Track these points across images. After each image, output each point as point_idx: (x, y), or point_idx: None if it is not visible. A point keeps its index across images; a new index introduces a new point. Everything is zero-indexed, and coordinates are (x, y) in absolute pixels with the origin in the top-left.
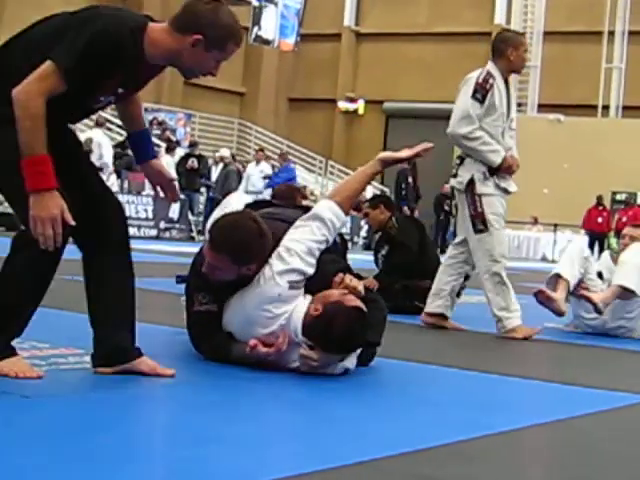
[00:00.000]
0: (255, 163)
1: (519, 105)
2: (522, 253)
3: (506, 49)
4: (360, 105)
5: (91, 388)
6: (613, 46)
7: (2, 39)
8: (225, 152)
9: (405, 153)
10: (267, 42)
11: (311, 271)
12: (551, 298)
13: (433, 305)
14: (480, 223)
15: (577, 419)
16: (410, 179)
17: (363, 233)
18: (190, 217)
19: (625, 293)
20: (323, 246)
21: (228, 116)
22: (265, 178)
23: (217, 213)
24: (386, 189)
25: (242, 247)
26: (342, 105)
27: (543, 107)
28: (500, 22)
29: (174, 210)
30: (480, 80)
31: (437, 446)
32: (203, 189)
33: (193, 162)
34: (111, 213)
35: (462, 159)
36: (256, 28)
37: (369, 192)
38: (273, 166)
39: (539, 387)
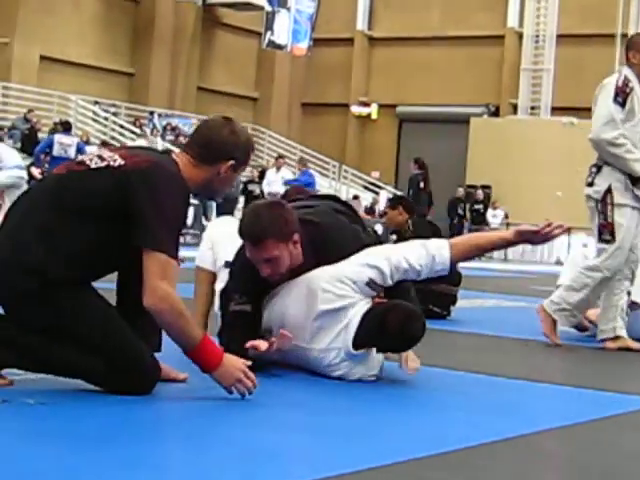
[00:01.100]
0: (275, 170)
1: (532, 108)
2: (536, 257)
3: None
4: (373, 109)
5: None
6: None
7: (16, 45)
8: None
9: (544, 231)
10: (280, 47)
11: (389, 284)
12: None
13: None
14: (608, 233)
15: (595, 422)
16: (422, 184)
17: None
18: (204, 222)
19: (632, 305)
20: (412, 275)
21: (241, 121)
22: (285, 184)
23: (204, 246)
24: (400, 193)
25: (278, 221)
26: (355, 109)
27: (556, 110)
28: (513, 25)
29: (188, 215)
30: (620, 84)
31: (448, 452)
32: None
33: None
34: None
35: (599, 167)
36: (269, 33)
37: (384, 196)
38: (292, 172)
39: (555, 391)
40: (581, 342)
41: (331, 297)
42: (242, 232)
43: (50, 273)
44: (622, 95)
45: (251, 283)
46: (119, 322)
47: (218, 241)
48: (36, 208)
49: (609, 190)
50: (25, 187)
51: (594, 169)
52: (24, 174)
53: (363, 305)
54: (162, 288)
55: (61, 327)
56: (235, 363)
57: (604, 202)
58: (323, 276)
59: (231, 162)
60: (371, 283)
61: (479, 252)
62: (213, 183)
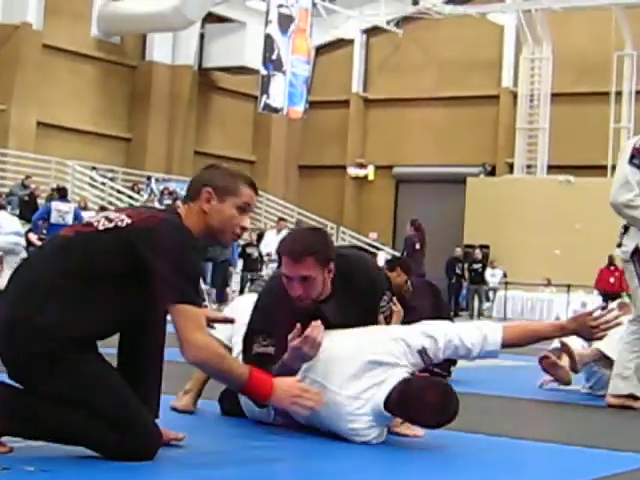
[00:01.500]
0: (276, 232)
1: (528, 167)
2: (535, 315)
3: None
4: (370, 171)
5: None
6: (621, 106)
7: (13, 111)
8: None
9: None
10: (276, 110)
11: (440, 358)
12: (557, 365)
13: (619, 386)
14: None
15: None
16: (417, 245)
17: None
18: (203, 286)
19: (603, 359)
20: (462, 353)
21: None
22: None
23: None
24: (398, 254)
25: (321, 243)
26: (352, 171)
27: (553, 168)
28: (507, 85)
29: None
30: (637, 145)
31: None
32: None
33: None
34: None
35: (626, 228)
36: (265, 96)
37: (382, 258)
38: None
39: (554, 450)
40: (582, 400)
41: (381, 350)
42: (284, 248)
43: (59, 334)
44: (638, 157)
45: (276, 324)
46: (127, 390)
47: (241, 316)
48: (44, 269)
49: (637, 250)
50: (24, 254)
51: (622, 230)
52: (21, 241)
53: (403, 372)
54: (199, 339)
55: (70, 392)
56: (288, 382)
57: (635, 262)
58: (378, 330)
59: (206, 189)
60: (423, 352)
61: (531, 339)
62: (209, 224)
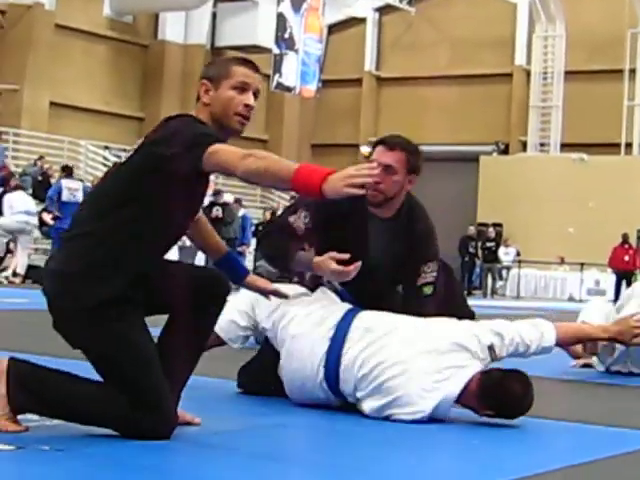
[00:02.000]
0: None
1: (541, 145)
2: (549, 293)
3: None
4: None
5: (123, 438)
6: (634, 84)
7: (26, 91)
8: (229, 197)
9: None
10: (288, 89)
11: (503, 356)
12: None
13: None
14: None
15: (608, 460)
16: None
17: None
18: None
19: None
20: (521, 350)
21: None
22: None
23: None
24: None
25: (415, 151)
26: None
27: (566, 146)
28: (521, 63)
29: (200, 259)
30: None
31: None
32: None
33: (218, 211)
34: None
35: None
36: (277, 75)
37: None
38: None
39: (570, 428)
40: (596, 379)
41: (464, 337)
42: (381, 139)
43: (107, 290)
44: None
45: (327, 214)
46: (156, 364)
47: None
48: (86, 219)
49: None
50: (36, 233)
51: None
52: (31, 219)
53: (480, 365)
54: (241, 155)
55: (101, 355)
56: (338, 173)
57: None
58: (453, 321)
59: (202, 82)
60: (492, 348)
61: (578, 339)
62: (213, 113)
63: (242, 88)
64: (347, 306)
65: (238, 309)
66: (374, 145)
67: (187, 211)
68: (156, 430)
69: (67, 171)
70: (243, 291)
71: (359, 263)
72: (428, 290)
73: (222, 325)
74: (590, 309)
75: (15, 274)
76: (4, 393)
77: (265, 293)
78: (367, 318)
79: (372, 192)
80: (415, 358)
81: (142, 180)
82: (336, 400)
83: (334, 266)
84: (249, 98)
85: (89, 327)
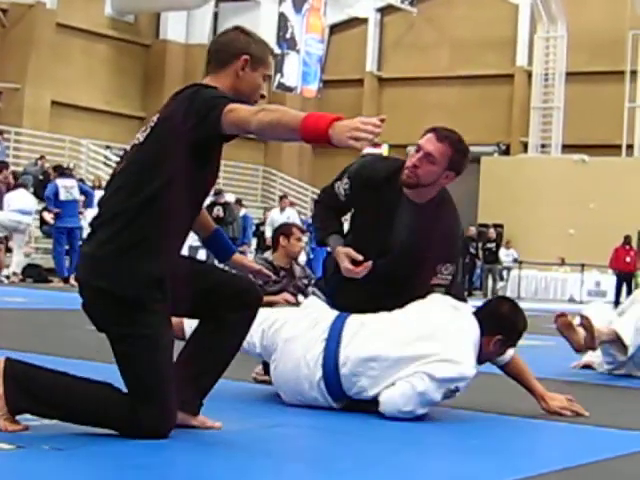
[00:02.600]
0: (280, 210)
1: (543, 146)
2: (549, 294)
3: None
4: (384, 150)
5: (123, 438)
6: (636, 85)
7: (27, 90)
8: (230, 197)
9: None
10: (290, 89)
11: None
12: (571, 326)
13: None
14: None
15: (609, 461)
16: None
17: None
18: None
19: (617, 342)
20: None
21: (253, 164)
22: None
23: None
24: None
25: (463, 150)
26: (366, 150)
27: (567, 148)
28: (522, 64)
29: (201, 255)
30: None
31: None
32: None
33: (219, 210)
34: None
35: None
36: (278, 75)
37: None
38: (299, 212)
39: (570, 429)
40: (598, 380)
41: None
42: (436, 127)
43: (137, 269)
44: None
45: (359, 180)
46: (171, 360)
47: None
48: (113, 204)
49: None
50: (37, 232)
51: None
52: (25, 219)
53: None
54: (254, 111)
55: (117, 337)
56: (346, 121)
57: None
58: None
59: (244, 57)
60: None
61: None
62: (239, 88)
63: (265, 80)
64: (337, 312)
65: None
66: (426, 132)
67: (208, 182)
68: (156, 428)
69: (59, 170)
70: None
71: (369, 264)
72: (438, 291)
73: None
74: (592, 309)
75: (14, 273)
76: (1, 393)
77: (250, 272)
78: (360, 316)
79: (407, 172)
80: (432, 331)
81: (164, 156)
82: (331, 400)
83: (346, 264)
84: (264, 89)
85: (115, 311)
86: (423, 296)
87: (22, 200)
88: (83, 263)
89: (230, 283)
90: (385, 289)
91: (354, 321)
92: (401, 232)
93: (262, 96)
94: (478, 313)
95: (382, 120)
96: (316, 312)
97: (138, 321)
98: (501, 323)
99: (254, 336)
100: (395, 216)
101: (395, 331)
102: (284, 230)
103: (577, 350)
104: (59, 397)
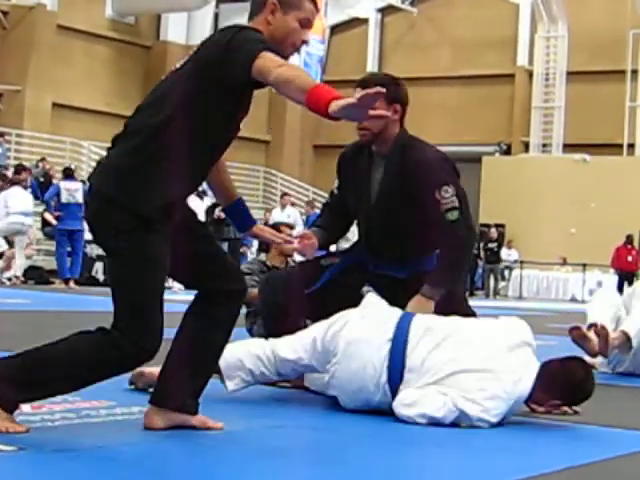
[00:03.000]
0: (280, 209)
1: (544, 146)
2: (551, 294)
3: None
4: None
5: (124, 440)
6: (637, 85)
7: (28, 92)
8: None
9: None
10: None
11: None
12: (586, 337)
13: None
14: None
15: (611, 461)
16: None
17: None
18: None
19: (625, 344)
20: None
21: (254, 164)
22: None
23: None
24: None
25: (391, 82)
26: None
27: (568, 147)
28: (523, 64)
29: None
30: None
31: None
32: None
33: (220, 212)
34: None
35: None
36: None
37: None
38: (301, 212)
39: (568, 429)
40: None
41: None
42: (360, 79)
43: (153, 186)
44: None
45: (340, 168)
46: (162, 284)
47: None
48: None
49: None
50: (39, 234)
51: None
52: (27, 220)
53: (534, 361)
54: (277, 69)
55: (115, 250)
56: (343, 100)
57: None
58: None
59: (271, 1)
60: None
61: None
62: (273, 34)
63: (305, 25)
64: (399, 310)
65: (250, 349)
66: (355, 88)
67: (232, 126)
68: (141, 342)
69: (67, 173)
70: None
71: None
72: (452, 216)
73: (227, 357)
74: (596, 309)
75: (16, 276)
76: None
77: (271, 244)
78: (425, 318)
79: (360, 132)
80: (487, 358)
81: (193, 86)
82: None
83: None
84: (308, 35)
85: (119, 223)
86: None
87: (22, 201)
88: (98, 171)
89: (223, 263)
90: (384, 242)
91: (420, 322)
92: (374, 185)
93: (304, 42)
94: (547, 365)
95: (378, 93)
96: (377, 311)
97: (139, 237)
98: (569, 393)
99: (301, 348)
100: (370, 177)
101: (459, 348)
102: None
103: (592, 356)
104: (48, 370)
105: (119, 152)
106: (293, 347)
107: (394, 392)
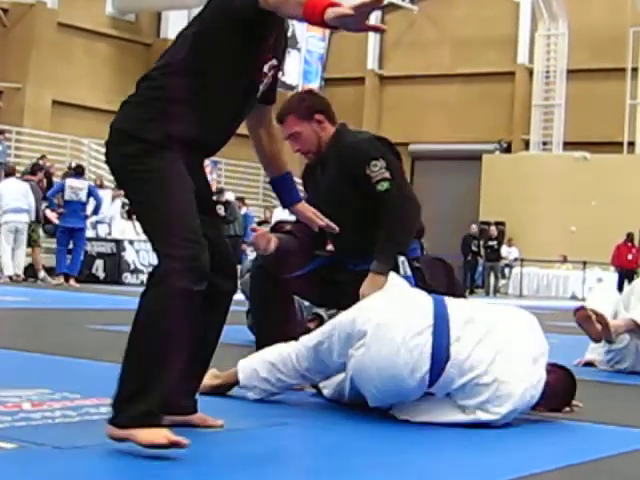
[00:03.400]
0: (282, 207)
1: (544, 144)
2: (551, 292)
3: None
4: None
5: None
6: (637, 82)
7: (28, 90)
8: (230, 196)
9: None
10: (291, 87)
11: None
12: (590, 319)
13: None
14: None
15: (611, 459)
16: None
17: None
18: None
19: (637, 330)
20: None
21: (254, 162)
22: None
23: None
24: None
25: (298, 100)
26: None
27: (569, 145)
28: (523, 62)
29: None
30: None
31: None
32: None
33: (220, 209)
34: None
35: None
36: (280, 74)
37: None
38: None
39: (569, 427)
40: (599, 377)
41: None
42: (277, 115)
43: (173, 121)
44: None
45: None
46: (194, 213)
47: None
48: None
49: None
50: (40, 232)
51: None
52: (20, 217)
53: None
54: None
55: (132, 184)
56: (338, 8)
57: None
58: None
59: None
60: None
61: None
62: None
63: None
64: (429, 295)
65: (264, 357)
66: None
67: (243, 65)
68: (185, 273)
69: (77, 171)
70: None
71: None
72: (382, 187)
73: (245, 367)
74: (597, 299)
75: (17, 274)
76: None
77: (312, 224)
78: (459, 306)
79: (305, 156)
80: (518, 369)
81: (211, 26)
82: (422, 395)
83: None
84: None
85: (133, 153)
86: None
87: (16, 198)
88: (120, 109)
89: (222, 255)
90: (347, 238)
91: (458, 312)
92: (323, 186)
93: None
94: (567, 376)
95: (376, 1)
96: (404, 294)
97: (152, 160)
98: (566, 402)
99: (319, 334)
100: (320, 181)
101: (500, 350)
102: (274, 228)
103: (595, 340)
104: (151, 359)
105: (132, 94)
106: (311, 336)
107: (431, 384)
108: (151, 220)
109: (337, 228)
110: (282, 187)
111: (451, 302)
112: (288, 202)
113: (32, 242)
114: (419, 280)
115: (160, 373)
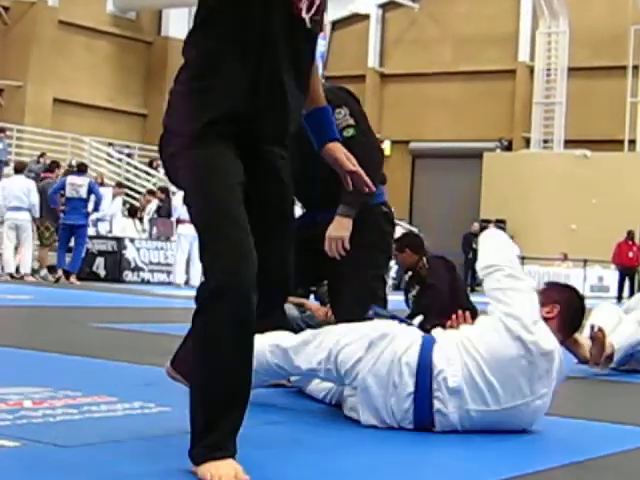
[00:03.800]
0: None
1: (545, 142)
2: None
3: None
4: (386, 146)
5: (124, 436)
6: (638, 80)
7: (29, 88)
8: None
9: None
10: None
11: None
12: (577, 342)
13: None
14: None
15: (614, 456)
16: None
17: (392, 273)
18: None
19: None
20: None
21: None
22: None
23: None
24: (414, 229)
25: None
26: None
27: (569, 143)
28: (524, 59)
29: None
30: None
31: None
32: None
33: None
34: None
35: None
36: None
37: (398, 232)
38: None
39: (570, 425)
40: (599, 376)
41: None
42: None
43: (205, 104)
44: None
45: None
46: (241, 216)
47: None
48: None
49: None
50: (32, 227)
51: None
52: (19, 215)
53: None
54: None
55: (176, 174)
56: None
57: None
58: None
59: None
60: None
61: None
62: None
63: None
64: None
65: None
66: None
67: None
68: (230, 271)
69: (79, 168)
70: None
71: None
72: (347, 133)
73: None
74: (600, 315)
75: (26, 273)
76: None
77: (342, 165)
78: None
79: None
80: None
81: None
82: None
83: None
84: None
85: (174, 150)
86: None
87: (16, 196)
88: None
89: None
90: (316, 190)
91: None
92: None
93: None
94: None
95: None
96: (390, 349)
97: (193, 153)
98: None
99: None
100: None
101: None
102: None
103: (584, 363)
104: (214, 384)
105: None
106: (292, 342)
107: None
108: (197, 226)
109: (372, 186)
110: (316, 122)
111: (440, 338)
112: (320, 141)
113: (44, 240)
114: (388, 223)
115: (225, 405)
